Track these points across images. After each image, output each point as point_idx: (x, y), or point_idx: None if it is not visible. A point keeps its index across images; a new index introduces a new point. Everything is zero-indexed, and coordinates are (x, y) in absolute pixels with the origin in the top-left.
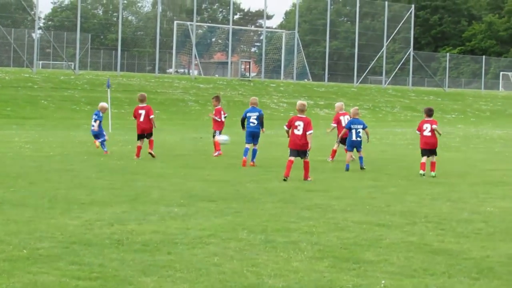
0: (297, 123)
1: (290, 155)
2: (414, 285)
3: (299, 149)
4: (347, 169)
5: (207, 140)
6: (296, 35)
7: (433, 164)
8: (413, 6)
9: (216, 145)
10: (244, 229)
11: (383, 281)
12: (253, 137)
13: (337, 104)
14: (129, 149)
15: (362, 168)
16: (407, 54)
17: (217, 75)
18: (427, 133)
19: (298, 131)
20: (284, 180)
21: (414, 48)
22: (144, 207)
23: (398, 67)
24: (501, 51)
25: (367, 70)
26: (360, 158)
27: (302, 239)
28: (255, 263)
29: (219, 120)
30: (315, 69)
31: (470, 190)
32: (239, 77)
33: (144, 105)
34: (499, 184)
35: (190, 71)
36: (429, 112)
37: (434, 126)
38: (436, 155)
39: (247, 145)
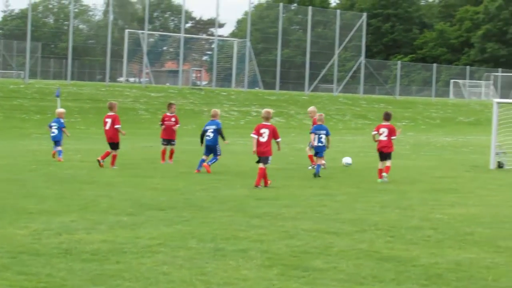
0: (262, 130)
1: (257, 162)
2: None
3: (263, 156)
4: (315, 174)
5: (157, 149)
6: (248, 43)
7: (387, 168)
8: (365, 14)
9: (163, 155)
10: (193, 238)
11: None
12: (210, 150)
13: (310, 109)
14: (78, 158)
15: (316, 175)
16: (359, 62)
17: (168, 84)
18: (383, 137)
19: (263, 139)
20: (256, 187)
21: (366, 56)
22: (93, 216)
23: (349, 75)
24: (452, 58)
25: (319, 78)
26: (318, 165)
27: (252, 247)
28: (204, 272)
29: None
30: (266, 77)
31: (419, 197)
32: (190, 86)
33: (112, 113)
34: (449, 191)
35: (141, 79)
36: (387, 117)
37: (393, 138)
38: (390, 159)
39: (204, 157)
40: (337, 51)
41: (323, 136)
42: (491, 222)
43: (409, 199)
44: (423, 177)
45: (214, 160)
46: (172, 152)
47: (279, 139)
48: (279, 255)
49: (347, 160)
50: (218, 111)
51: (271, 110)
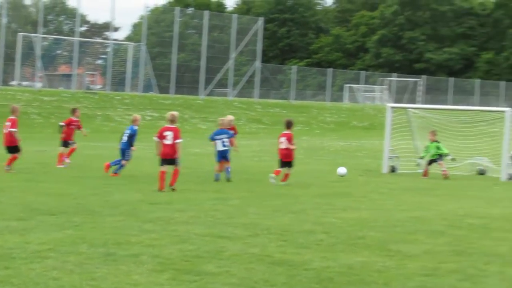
0: (166, 133)
1: (161, 165)
2: None
3: (169, 158)
4: (216, 179)
5: (50, 153)
6: (144, 47)
7: (286, 176)
8: (261, 19)
9: (60, 157)
10: (84, 243)
11: None
12: (122, 153)
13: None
14: None
15: (228, 180)
16: (254, 66)
17: (61, 88)
18: (282, 146)
19: (168, 141)
20: (159, 191)
21: (262, 61)
22: None
23: (245, 79)
24: (347, 63)
25: (214, 83)
26: (227, 169)
27: (143, 252)
28: (94, 277)
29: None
30: (161, 82)
31: (313, 201)
32: (84, 90)
33: (13, 117)
34: (342, 195)
35: (34, 83)
36: (287, 125)
37: (289, 146)
38: (291, 166)
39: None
40: (232, 56)
41: (226, 140)
42: (382, 226)
43: (302, 203)
44: (316, 181)
45: (117, 162)
46: (72, 150)
47: (179, 140)
48: (171, 259)
49: (342, 171)
50: (138, 116)
51: (176, 113)
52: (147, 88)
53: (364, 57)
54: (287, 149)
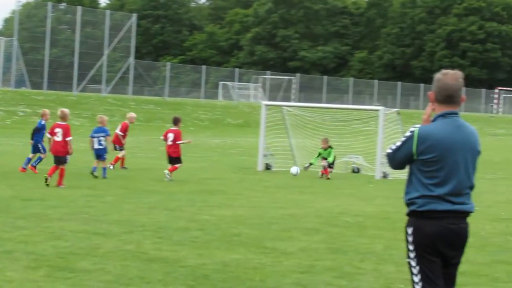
0: (56, 129)
1: (54, 163)
2: None
3: (59, 156)
4: (92, 171)
5: None
6: (15, 42)
7: (173, 168)
8: (135, 15)
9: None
10: None
11: None
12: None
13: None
14: None
15: (104, 177)
16: (128, 63)
17: None
18: (169, 142)
19: (58, 138)
20: (46, 182)
21: (135, 57)
22: None
23: (118, 76)
24: (221, 61)
25: (87, 79)
26: (104, 169)
27: (17, 248)
28: None
29: None
30: (34, 77)
31: (187, 198)
32: None
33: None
34: (216, 193)
35: None
36: (174, 121)
37: (178, 142)
38: (180, 162)
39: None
40: (106, 52)
41: (102, 138)
42: (258, 224)
43: (177, 200)
44: (191, 178)
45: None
46: None
47: (69, 138)
48: (45, 256)
49: (293, 170)
50: (47, 111)
51: (66, 110)
52: (20, 83)
53: (238, 55)
54: (174, 145)
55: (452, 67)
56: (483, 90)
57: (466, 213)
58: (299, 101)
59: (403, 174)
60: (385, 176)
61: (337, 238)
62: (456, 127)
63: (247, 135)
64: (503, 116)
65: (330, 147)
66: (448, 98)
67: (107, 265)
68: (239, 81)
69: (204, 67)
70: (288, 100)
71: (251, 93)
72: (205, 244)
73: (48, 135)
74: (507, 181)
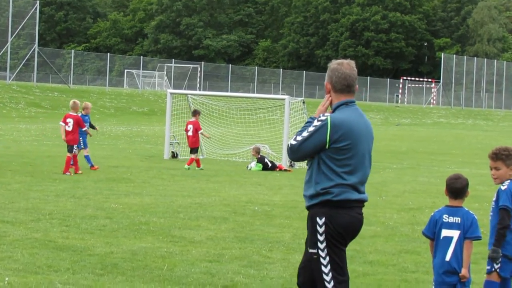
0: (68, 120)
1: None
2: (38, 281)
3: (69, 144)
4: None
5: None
6: None
7: (194, 160)
8: (38, 2)
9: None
10: None
11: (6, 278)
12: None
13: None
14: None
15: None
16: (32, 50)
17: None
18: (190, 133)
19: (68, 128)
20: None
21: (39, 45)
22: None
23: (22, 63)
24: (126, 48)
25: None
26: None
27: None
28: None
29: None
30: None
31: (94, 186)
32: None
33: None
34: (123, 181)
35: None
36: (193, 113)
37: (200, 132)
38: (196, 152)
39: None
40: (10, 39)
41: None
42: (165, 212)
43: (84, 188)
44: (98, 166)
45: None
46: None
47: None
48: None
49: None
50: (89, 104)
51: (77, 101)
52: None
53: (143, 43)
54: (193, 136)
55: (357, 57)
56: (388, 80)
57: (365, 203)
58: (204, 90)
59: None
60: (292, 165)
61: (245, 227)
62: (359, 115)
63: (153, 123)
64: (407, 106)
65: (258, 159)
66: (347, 87)
67: (15, 253)
68: (144, 69)
69: (108, 54)
70: (194, 88)
71: (156, 81)
72: (113, 233)
73: (61, 123)
74: (413, 171)
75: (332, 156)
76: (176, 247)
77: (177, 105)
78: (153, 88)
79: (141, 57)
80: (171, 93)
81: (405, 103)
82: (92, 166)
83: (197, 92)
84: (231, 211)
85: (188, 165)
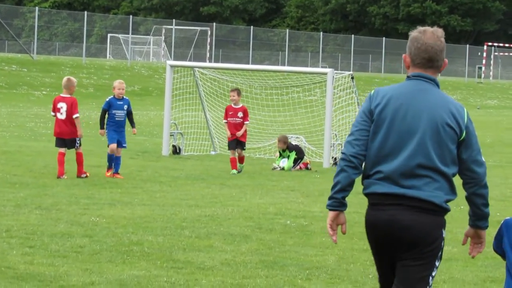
0: (60, 105)
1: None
2: None
3: (65, 138)
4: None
5: None
6: None
7: (241, 159)
8: None
9: None
10: None
11: None
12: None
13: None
14: None
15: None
16: None
17: None
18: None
19: (62, 115)
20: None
21: None
22: None
23: None
24: (110, 5)
25: None
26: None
27: None
28: None
29: None
30: None
31: (67, 193)
32: None
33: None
34: (107, 186)
35: None
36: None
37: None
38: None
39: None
40: None
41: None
42: (164, 228)
43: (54, 196)
44: (72, 165)
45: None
46: None
47: (76, 115)
48: None
49: None
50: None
51: (73, 79)
52: None
53: None
54: (240, 125)
55: (425, 15)
56: (467, 47)
57: (418, 200)
58: (216, 61)
59: None
60: (336, 163)
61: (273, 248)
62: (418, 90)
63: (147, 107)
64: (494, 82)
65: (288, 148)
66: (427, 61)
67: None
68: (134, 33)
69: (85, 13)
70: (202, 59)
71: (151, 50)
72: (94, 256)
73: (51, 113)
74: (502, 171)
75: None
76: (179, 275)
77: (180, 82)
78: (147, 59)
79: (130, 16)
80: (171, 66)
81: (491, 78)
82: (116, 172)
83: (207, 64)
84: (255, 227)
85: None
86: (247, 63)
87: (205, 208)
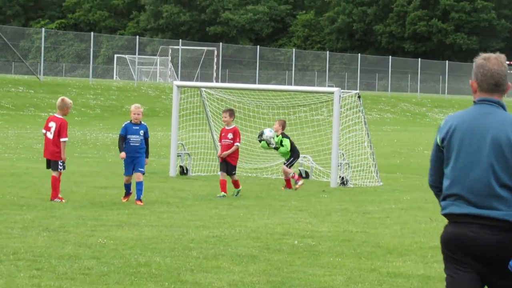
0: (50, 124)
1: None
2: None
3: (50, 158)
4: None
5: None
6: None
7: (234, 183)
8: None
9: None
10: None
11: None
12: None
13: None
14: None
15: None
16: None
17: None
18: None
19: (50, 135)
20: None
21: (3, 22)
22: None
23: None
24: (117, 26)
25: None
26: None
27: None
28: None
29: None
30: None
31: (75, 215)
32: None
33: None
34: (114, 207)
35: None
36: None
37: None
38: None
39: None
40: None
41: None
42: (172, 249)
43: (61, 218)
44: (79, 187)
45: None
46: None
47: (63, 139)
48: None
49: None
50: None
51: (68, 100)
52: None
53: (139, 18)
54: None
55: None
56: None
57: (494, 220)
58: (223, 81)
59: (368, 181)
60: (343, 183)
61: (281, 269)
62: (482, 114)
63: (154, 127)
64: (507, 100)
65: (282, 134)
66: (494, 86)
67: None
68: (141, 54)
69: (92, 34)
70: (209, 79)
71: (158, 70)
72: (102, 278)
73: (43, 130)
74: None
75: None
76: None
77: (187, 102)
78: (154, 79)
79: (137, 37)
80: (178, 86)
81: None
82: (138, 199)
83: (214, 84)
84: (262, 247)
85: (235, 188)
86: (254, 82)
87: (212, 229)
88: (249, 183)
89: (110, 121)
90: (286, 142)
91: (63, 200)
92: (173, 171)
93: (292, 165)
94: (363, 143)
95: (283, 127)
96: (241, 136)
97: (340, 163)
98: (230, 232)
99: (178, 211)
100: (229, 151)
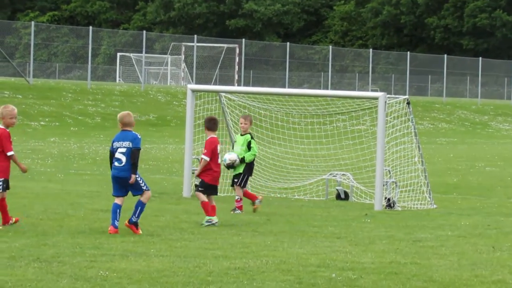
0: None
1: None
2: None
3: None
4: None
5: None
6: None
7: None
8: None
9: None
10: None
11: None
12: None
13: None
14: None
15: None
16: None
17: None
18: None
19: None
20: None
21: None
22: None
23: None
24: (120, 19)
25: None
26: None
27: None
28: None
29: None
30: None
31: (71, 242)
32: None
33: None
34: (116, 233)
35: None
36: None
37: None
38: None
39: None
40: None
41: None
42: (187, 283)
43: (55, 246)
44: (75, 210)
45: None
46: None
47: (10, 153)
48: None
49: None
50: (132, 115)
51: (11, 106)
52: None
53: (146, 10)
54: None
55: (493, 27)
56: None
57: None
58: (246, 84)
59: (419, 203)
60: (390, 205)
61: None
62: None
63: (164, 139)
64: None
65: (251, 134)
66: None
67: None
68: (148, 52)
69: (90, 29)
70: (230, 82)
71: (168, 71)
72: None
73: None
74: None
75: None
76: None
77: (204, 109)
78: (164, 82)
79: (144, 32)
80: (193, 91)
81: None
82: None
83: (235, 88)
84: (294, 281)
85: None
86: (283, 86)
87: (234, 260)
88: (278, 205)
89: (112, 132)
90: (255, 145)
91: (17, 220)
92: (187, 191)
93: (246, 183)
94: (413, 158)
95: (251, 124)
96: (219, 148)
97: (386, 181)
98: (255, 264)
99: (194, 239)
100: (199, 168)
